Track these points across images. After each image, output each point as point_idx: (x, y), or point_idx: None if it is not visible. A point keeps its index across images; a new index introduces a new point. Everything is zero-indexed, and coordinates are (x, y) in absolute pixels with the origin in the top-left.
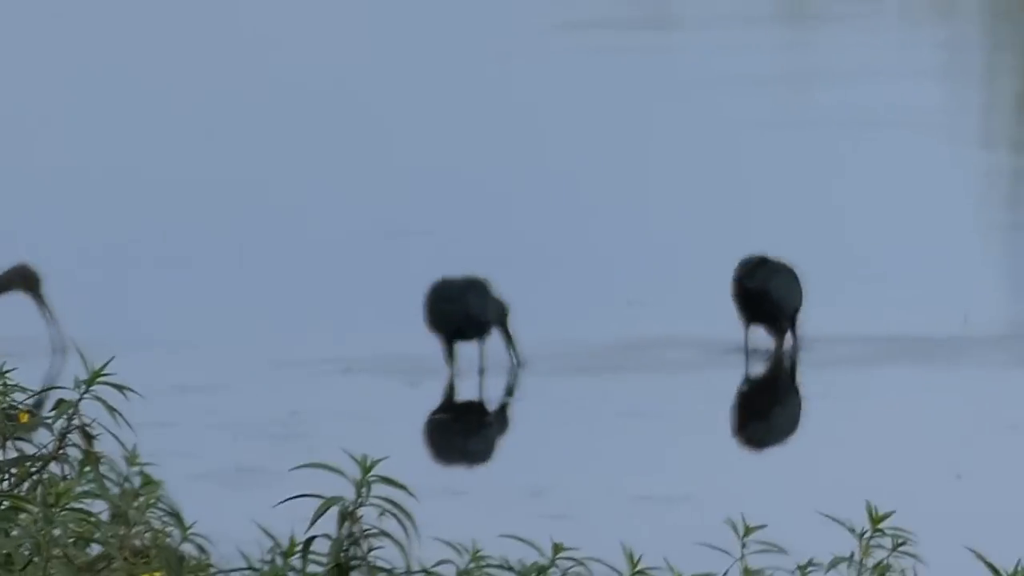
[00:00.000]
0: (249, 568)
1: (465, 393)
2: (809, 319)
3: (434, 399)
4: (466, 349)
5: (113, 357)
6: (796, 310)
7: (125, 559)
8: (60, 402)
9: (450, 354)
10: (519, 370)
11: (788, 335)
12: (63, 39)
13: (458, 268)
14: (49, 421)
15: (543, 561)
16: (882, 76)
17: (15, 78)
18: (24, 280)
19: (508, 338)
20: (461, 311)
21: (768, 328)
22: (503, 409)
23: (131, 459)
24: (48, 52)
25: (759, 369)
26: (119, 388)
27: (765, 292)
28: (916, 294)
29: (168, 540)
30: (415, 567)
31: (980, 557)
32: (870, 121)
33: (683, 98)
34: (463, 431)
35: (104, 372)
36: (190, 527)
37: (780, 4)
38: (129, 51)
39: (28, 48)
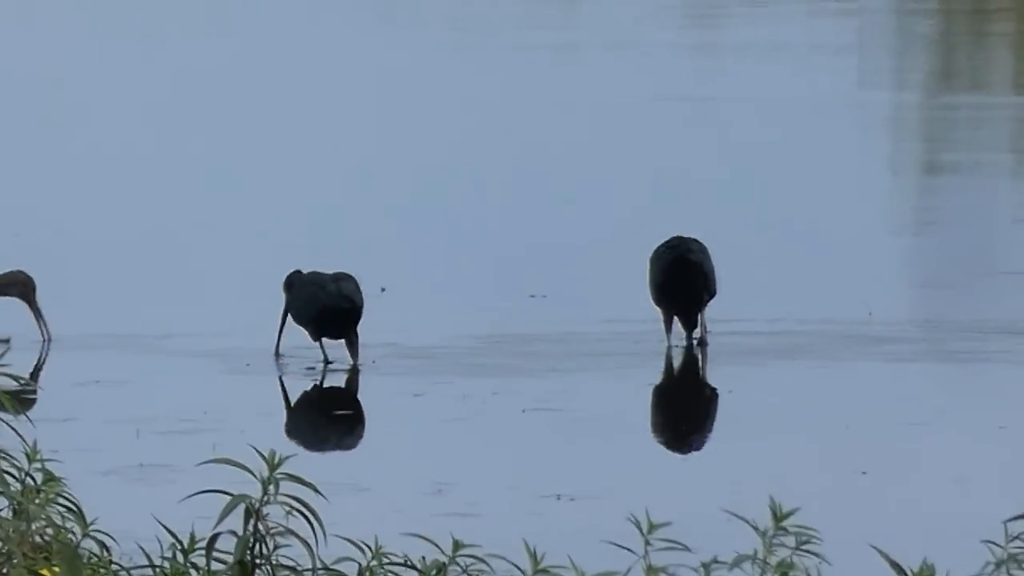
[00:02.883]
0: (150, 565)
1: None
2: (713, 306)
3: (335, 394)
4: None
5: (9, 347)
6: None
7: (25, 555)
8: None
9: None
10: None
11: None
12: None
13: (348, 263)
14: None
15: (444, 558)
16: (790, 52)
17: None
18: (22, 286)
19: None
20: (356, 308)
21: (689, 312)
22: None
23: (31, 455)
24: None
25: (668, 359)
26: (16, 379)
27: (704, 270)
28: (821, 284)
29: (69, 536)
30: (318, 565)
31: (884, 556)
32: (775, 99)
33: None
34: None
35: None
36: (91, 523)
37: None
38: None
39: None
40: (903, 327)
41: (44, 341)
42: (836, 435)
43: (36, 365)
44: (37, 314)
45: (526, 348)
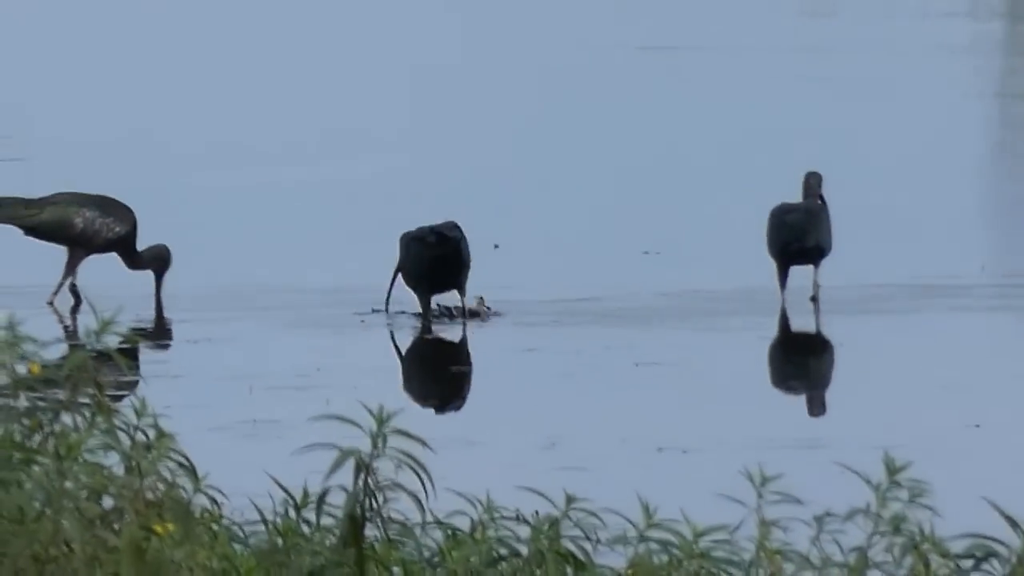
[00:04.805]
0: (262, 521)
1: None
2: (825, 263)
3: (448, 349)
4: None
5: (123, 307)
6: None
7: (137, 512)
8: (72, 352)
9: (426, 304)
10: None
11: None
12: None
13: (463, 215)
14: (61, 372)
15: (556, 513)
16: (909, 12)
17: None
18: (160, 262)
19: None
20: (456, 249)
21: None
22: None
23: (141, 411)
24: None
25: (779, 314)
26: (130, 338)
27: (809, 236)
28: (931, 240)
29: (181, 492)
30: (429, 519)
31: (997, 509)
32: (896, 57)
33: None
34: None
35: (113, 322)
36: (203, 479)
37: None
38: None
39: None
40: (1016, 281)
41: (157, 307)
42: (949, 388)
43: (151, 322)
44: (159, 288)
45: (639, 303)
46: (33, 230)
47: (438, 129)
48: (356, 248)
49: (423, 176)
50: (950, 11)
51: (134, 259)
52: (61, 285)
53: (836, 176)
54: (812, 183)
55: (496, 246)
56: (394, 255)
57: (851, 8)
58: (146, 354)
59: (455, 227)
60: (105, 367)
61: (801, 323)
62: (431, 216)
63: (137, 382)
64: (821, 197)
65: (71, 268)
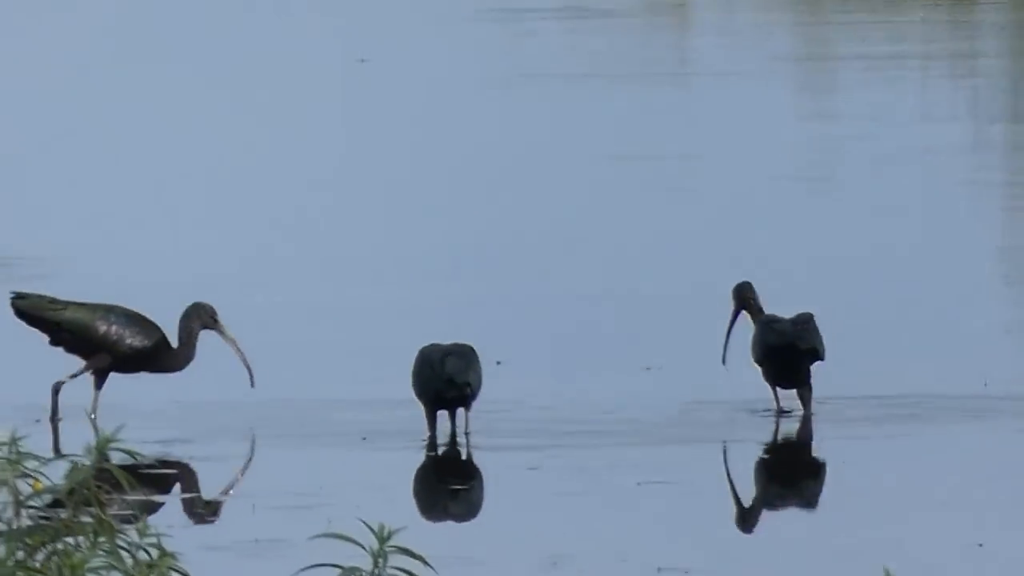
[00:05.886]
0: None
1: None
2: (826, 377)
3: (450, 467)
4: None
5: (124, 424)
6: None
7: None
8: (73, 470)
9: (432, 421)
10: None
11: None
12: None
13: (463, 335)
14: (63, 489)
15: None
16: (900, 116)
17: None
18: (201, 318)
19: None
20: (442, 378)
21: (792, 386)
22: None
23: (143, 530)
24: None
25: (781, 431)
26: (131, 454)
27: (814, 351)
28: (935, 353)
29: None
30: None
31: None
32: (889, 162)
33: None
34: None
35: (115, 439)
36: None
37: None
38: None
39: None
40: (1019, 397)
41: (249, 378)
42: (951, 506)
43: (157, 440)
44: (231, 343)
45: (641, 420)
46: (57, 327)
47: (434, 246)
48: (355, 365)
49: (423, 293)
50: (949, 115)
51: (175, 359)
52: (96, 399)
53: (836, 286)
54: (745, 296)
55: (498, 363)
56: (391, 373)
57: (850, 111)
58: (148, 471)
59: (466, 360)
60: (108, 485)
61: (801, 440)
62: (437, 330)
63: (140, 500)
64: (756, 306)
65: (88, 368)
